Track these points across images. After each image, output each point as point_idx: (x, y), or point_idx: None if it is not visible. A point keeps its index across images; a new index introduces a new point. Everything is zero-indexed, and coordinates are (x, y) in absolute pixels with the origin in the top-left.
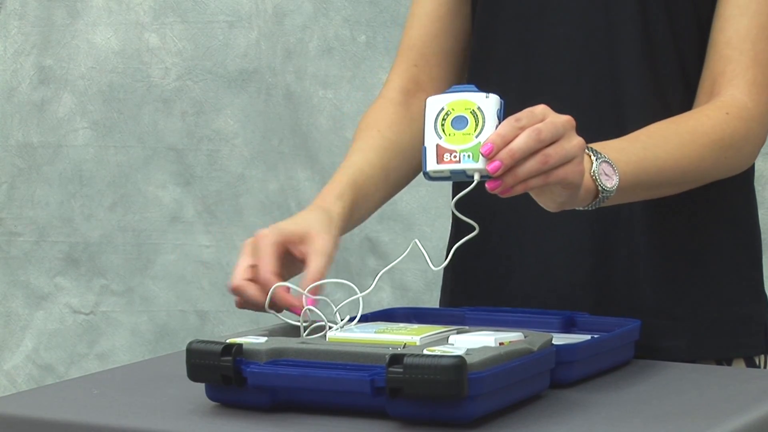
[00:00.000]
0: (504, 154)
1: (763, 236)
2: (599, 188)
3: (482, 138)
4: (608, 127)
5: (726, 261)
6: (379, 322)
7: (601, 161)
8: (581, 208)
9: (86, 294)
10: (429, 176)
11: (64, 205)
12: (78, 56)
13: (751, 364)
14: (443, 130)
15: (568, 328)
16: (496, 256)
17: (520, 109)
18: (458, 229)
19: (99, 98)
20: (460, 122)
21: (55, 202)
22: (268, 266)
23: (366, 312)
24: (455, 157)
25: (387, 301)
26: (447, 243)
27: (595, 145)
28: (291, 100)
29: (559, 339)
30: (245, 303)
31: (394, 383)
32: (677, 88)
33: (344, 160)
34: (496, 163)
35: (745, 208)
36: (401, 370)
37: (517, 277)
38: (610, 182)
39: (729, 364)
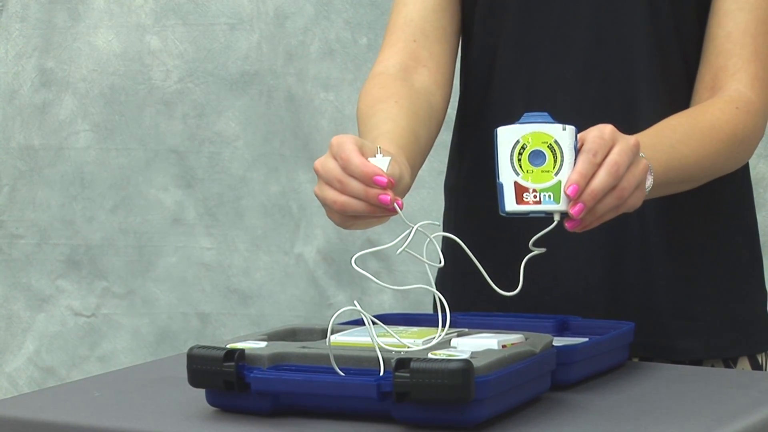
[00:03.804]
0: (587, 196)
1: (762, 239)
2: None
3: (562, 176)
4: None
5: (735, 260)
6: (377, 326)
7: None
8: None
9: (87, 296)
10: (506, 214)
11: (65, 207)
12: (79, 59)
13: (754, 362)
14: (520, 166)
15: (560, 331)
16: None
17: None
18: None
19: (100, 100)
20: (537, 157)
21: (56, 205)
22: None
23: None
24: (536, 197)
25: (388, 303)
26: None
27: None
28: (292, 103)
29: (556, 342)
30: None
31: (401, 388)
32: (683, 86)
33: (369, 130)
34: (579, 206)
35: (747, 206)
36: (408, 374)
37: (529, 280)
38: (647, 182)
39: (735, 362)
